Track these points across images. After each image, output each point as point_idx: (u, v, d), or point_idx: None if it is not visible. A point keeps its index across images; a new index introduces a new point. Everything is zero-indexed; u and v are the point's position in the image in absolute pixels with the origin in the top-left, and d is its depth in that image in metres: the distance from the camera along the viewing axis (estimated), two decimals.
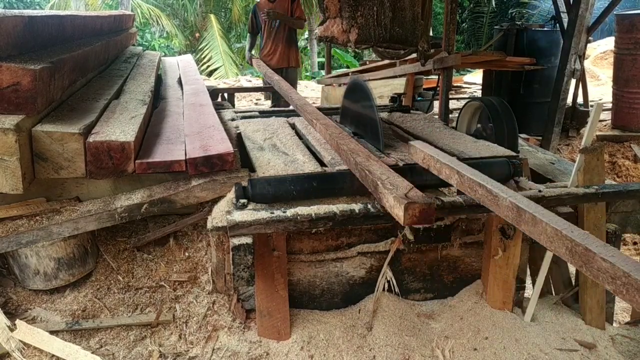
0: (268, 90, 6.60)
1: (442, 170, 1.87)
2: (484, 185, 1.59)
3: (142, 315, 2.20)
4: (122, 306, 2.24)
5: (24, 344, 1.98)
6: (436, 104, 5.47)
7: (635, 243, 4.24)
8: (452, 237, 2.18)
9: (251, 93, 7.42)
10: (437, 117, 4.47)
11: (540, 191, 2.03)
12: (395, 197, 1.50)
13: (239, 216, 1.80)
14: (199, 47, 13.61)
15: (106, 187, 2.37)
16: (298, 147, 2.60)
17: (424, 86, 6.63)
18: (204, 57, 13.12)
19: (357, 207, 1.89)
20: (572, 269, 2.59)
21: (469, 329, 2.20)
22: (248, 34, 6.20)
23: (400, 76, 5.54)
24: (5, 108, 1.98)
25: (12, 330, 1.99)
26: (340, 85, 6.54)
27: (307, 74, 14.33)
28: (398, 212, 1.48)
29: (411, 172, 2.17)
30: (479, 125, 3.19)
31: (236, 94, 6.62)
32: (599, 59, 9.17)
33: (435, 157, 1.93)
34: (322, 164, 2.36)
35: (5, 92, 1.97)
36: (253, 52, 6.09)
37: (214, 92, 4.73)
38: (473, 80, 9.02)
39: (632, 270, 1.02)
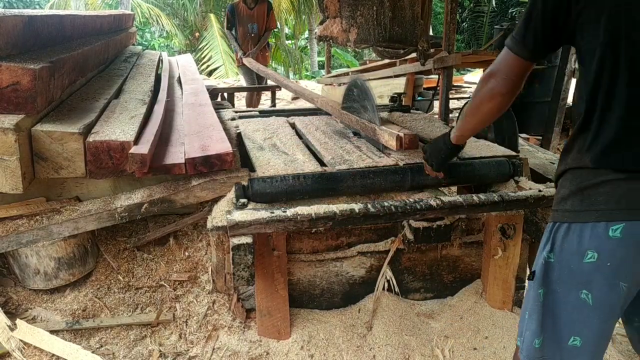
0: (267, 90, 6.62)
1: None
2: None
3: (142, 315, 2.20)
4: (122, 306, 2.24)
5: (24, 343, 1.98)
6: (436, 103, 5.46)
7: None
8: (452, 237, 2.17)
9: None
10: (437, 117, 4.46)
11: (540, 191, 2.03)
12: (389, 133, 2.19)
13: (239, 216, 1.79)
14: (199, 47, 13.61)
15: (106, 186, 2.37)
16: (298, 146, 2.60)
17: (424, 86, 6.63)
18: (204, 57, 13.12)
19: (357, 207, 1.88)
20: None
21: (468, 328, 2.20)
22: (227, 32, 6.60)
23: (400, 76, 5.54)
24: (5, 108, 1.98)
25: (12, 329, 1.99)
26: (340, 84, 6.54)
27: (307, 73, 14.33)
28: (392, 142, 2.13)
29: (411, 171, 2.17)
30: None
31: (236, 94, 6.63)
32: None
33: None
34: (322, 163, 2.36)
35: (5, 92, 1.96)
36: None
37: (213, 92, 4.75)
38: (473, 80, 9.03)
39: None
